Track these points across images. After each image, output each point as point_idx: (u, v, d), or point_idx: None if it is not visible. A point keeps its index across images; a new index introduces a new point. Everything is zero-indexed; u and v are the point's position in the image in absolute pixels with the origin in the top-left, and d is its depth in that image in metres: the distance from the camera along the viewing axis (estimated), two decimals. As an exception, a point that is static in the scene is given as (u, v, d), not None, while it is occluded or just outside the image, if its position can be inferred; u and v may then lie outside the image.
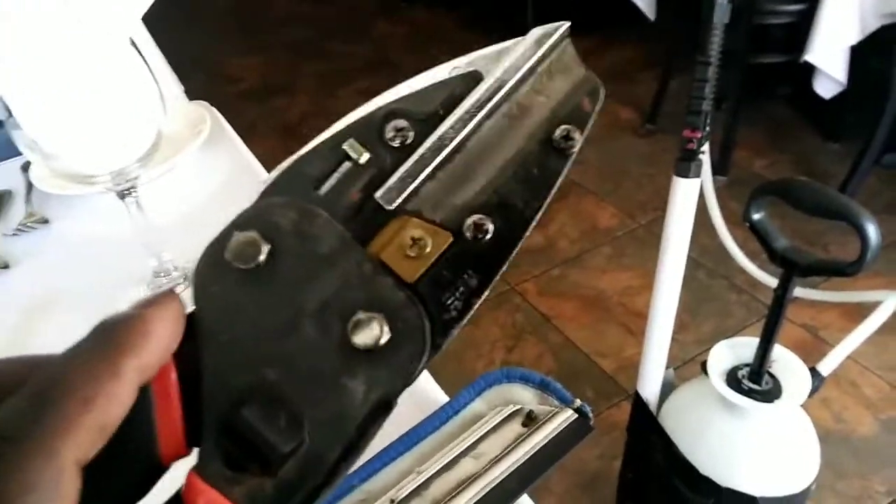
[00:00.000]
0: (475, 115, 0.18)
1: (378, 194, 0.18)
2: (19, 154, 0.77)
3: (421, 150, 0.18)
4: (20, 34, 0.44)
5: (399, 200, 0.18)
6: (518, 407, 0.42)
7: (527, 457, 0.39)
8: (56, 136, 0.47)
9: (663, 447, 1.06)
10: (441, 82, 0.18)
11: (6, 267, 0.62)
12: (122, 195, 0.50)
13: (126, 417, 0.17)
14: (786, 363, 1.00)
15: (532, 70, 0.18)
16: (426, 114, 0.18)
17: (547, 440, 0.40)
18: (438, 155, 0.18)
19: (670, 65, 2.22)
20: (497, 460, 0.39)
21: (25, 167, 0.74)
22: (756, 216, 0.88)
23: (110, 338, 0.16)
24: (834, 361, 1.04)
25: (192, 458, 0.17)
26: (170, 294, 0.18)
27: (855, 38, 1.74)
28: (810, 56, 1.78)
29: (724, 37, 0.88)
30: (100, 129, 0.46)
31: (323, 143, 0.18)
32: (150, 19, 0.73)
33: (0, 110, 0.47)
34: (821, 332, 1.58)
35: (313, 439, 0.16)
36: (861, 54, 1.79)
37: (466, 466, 0.39)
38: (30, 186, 0.71)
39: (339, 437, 0.16)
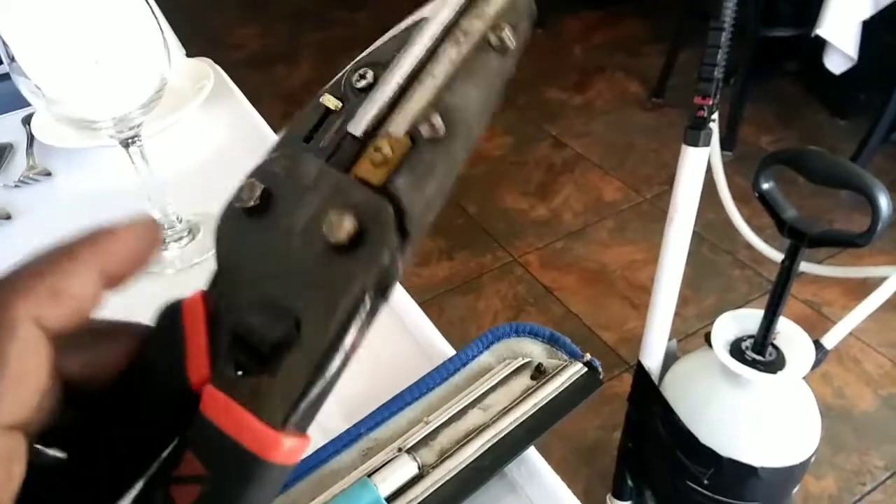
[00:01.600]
0: (424, 46, 0.21)
1: (349, 128, 0.20)
2: (20, 107, 0.77)
3: (380, 83, 0.21)
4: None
5: (364, 126, 0.20)
6: (527, 360, 0.42)
7: (535, 409, 0.39)
8: (59, 80, 0.46)
9: (664, 417, 1.07)
10: (397, 34, 0.21)
11: (8, 218, 0.61)
12: (125, 144, 0.49)
13: (161, 353, 0.19)
14: (790, 335, 0.99)
15: (470, 2, 0.21)
16: (385, 60, 0.21)
17: (556, 393, 0.39)
18: (394, 82, 0.20)
19: (677, 39, 2.19)
20: (505, 412, 0.39)
21: (27, 120, 0.72)
22: (765, 185, 0.87)
23: (74, 236, 0.18)
24: (838, 335, 1.04)
25: None
26: (148, 216, 0.20)
27: (867, 12, 1.71)
28: (822, 30, 1.75)
29: (736, 6, 0.86)
30: (103, 73, 0.45)
31: (306, 106, 0.21)
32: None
33: (4, 56, 0.46)
34: (824, 309, 1.58)
35: (306, 335, 0.18)
36: (873, 30, 1.77)
37: (474, 417, 0.39)
38: (31, 139, 0.70)
39: (326, 331, 0.18)
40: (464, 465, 0.36)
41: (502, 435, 0.38)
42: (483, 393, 0.40)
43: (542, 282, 1.71)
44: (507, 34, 0.20)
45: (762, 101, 2.18)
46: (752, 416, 1.00)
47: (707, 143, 0.95)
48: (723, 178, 1.31)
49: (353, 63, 0.21)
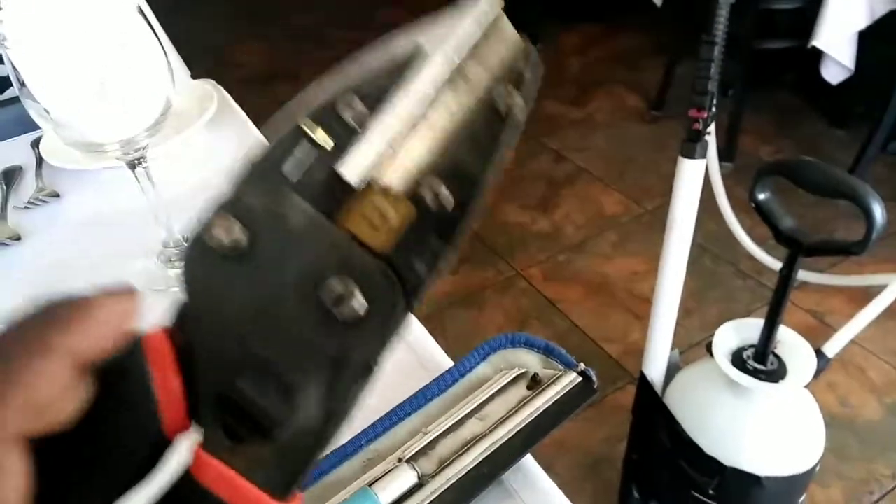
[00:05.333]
0: (423, 91, 0.19)
1: (340, 169, 0.19)
2: (29, 130, 0.78)
3: (376, 126, 0.19)
4: (32, 5, 0.45)
5: (359, 174, 0.19)
6: (523, 370, 0.42)
7: (531, 418, 0.40)
8: (67, 105, 0.47)
9: (668, 427, 1.07)
10: (389, 60, 0.19)
11: (18, 239, 0.62)
12: (132, 165, 0.51)
13: (128, 389, 0.17)
14: (791, 344, 1.00)
15: (472, 43, 0.19)
16: (377, 91, 0.19)
17: (551, 402, 0.40)
18: (392, 129, 0.19)
19: (676, 51, 2.21)
20: (502, 421, 0.39)
21: (36, 143, 0.74)
22: (762, 196, 0.88)
23: (49, 315, 0.16)
24: (839, 343, 1.04)
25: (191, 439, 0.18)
26: (127, 287, 0.18)
27: (863, 22, 1.73)
28: (818, 41, 1.77)
29: (730, 22, 0.88)
30: (109, 97, 0.47)
31: (286, 129, 0.19)
32: (155, 4, 0.74)
33: (15, 81, 0.48)
34: (826, 318, 1.58)
35: (304, 405, 0.17)
36: (869, 40, 1.78)
37: (472, 427, 0.40)
38: (40, 161, 0.71)
39: (327, 401, 0.17)
40: (462, 474, 0.37)
41: (499, 444, 0.39)
42: (480, 403, 0.41)
43: (545, 294, 1.71)
44: (518, 102, 0.19)
45: (761, 112, 2.19)
46: (755, 425, 1.00)
47: (703, 155, 0.97)
48: (722, 189, 1.33)
49: (338, 85, 0.19)
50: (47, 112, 0.47)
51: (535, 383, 0.42)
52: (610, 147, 2.23)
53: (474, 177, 0.19)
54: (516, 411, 0.40)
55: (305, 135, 0.19)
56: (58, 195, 0.68)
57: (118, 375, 0.17)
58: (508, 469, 0.38)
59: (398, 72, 0.19)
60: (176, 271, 0.56)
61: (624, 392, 1.45)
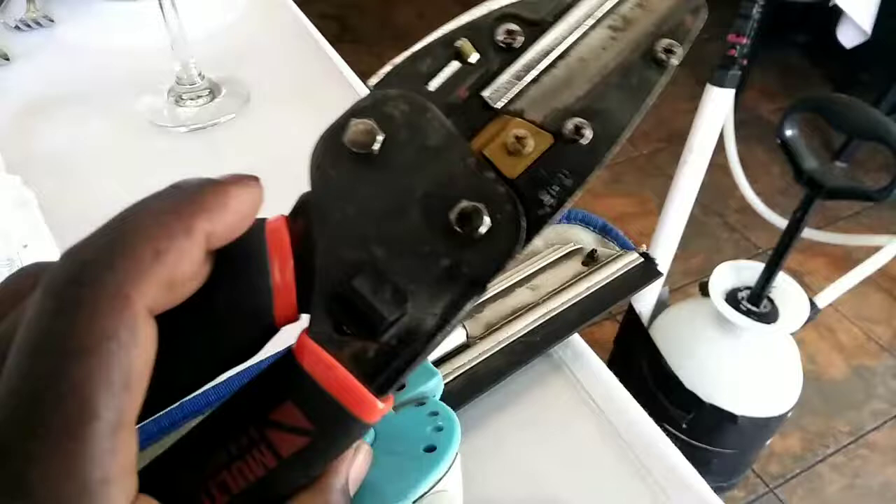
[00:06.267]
0: (582, 24, 0.19)
1: (485, 93, 0.19)
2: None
3: (529, 54, 0.19)
4: None
5: (504, 100, 0.19)
6: (579, 246, 0.39)
7: (589, 292, 0.37)
8: None
9: (650, 360, 1.07)
10: None
11: (7, 59, 0.56)
12: (153, -23, 0.45)
13: (245, 271, 0.18)
14: (785, 291, 1.00)
15: None
16: (536, 20, 0.19)
17: (612, 278, 0.37)
18: (544, 59, 0.19)
19: (693, -5, 2.14)
20: (555, 293, 0.37)
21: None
22: (789, 132, 0.86)
23: (186, 196, 0.16)
24: (831, 295, 1.04)
25: (301, 324, 0.18)
26: (254, 178, 0.18)
27: (889, -14, 1.69)
28: (840, 0, 1.72)
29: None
30: None
31: (435, 40, 0.19)
32: None
33: None
34: (806, 278, 1.60)
35: (414, 310, 0.18)
36: (888, 11, 1.75)
37: (522, 296, 0.37)
38: (32, -20, 0.64)
39: (435, 310, 0.18)
40: (512, 340, 0.34)
41: (553, 314, 0.36)
42: (531, 273, 0.38)
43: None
44: (675, 52, 0.19)
45: (768, 69, 2.16)
46: (738, 365, 1.01)
47: (733, 86, 0.93)
48: (732, 134, 1.30)
49: (498, 7, 0.20)
50: None
51: (592, 260, 0.39)
52: (612, 86, 2.18)
53: (617, 120, 0.19)
54: (571, 284, 0.37)
55: (457, 50, 0.19)
56: (52, 21, 0.61)
57: (238, 257, 0.18)
58: (563, 340, 0.35)
59: (558, 4, 0.19)
60: (186, 110, 0.51)
61: (601, 328, 1.45)
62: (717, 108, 0.93)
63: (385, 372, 0.18)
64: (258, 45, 0.61)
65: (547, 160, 0.19)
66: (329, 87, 0.56)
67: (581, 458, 0.32)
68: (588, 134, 0.18)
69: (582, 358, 0.36)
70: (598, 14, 0.19)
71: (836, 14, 1.78)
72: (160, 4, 0.47)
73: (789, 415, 1.05)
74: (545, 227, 0.19)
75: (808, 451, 1.30)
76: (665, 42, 0.19)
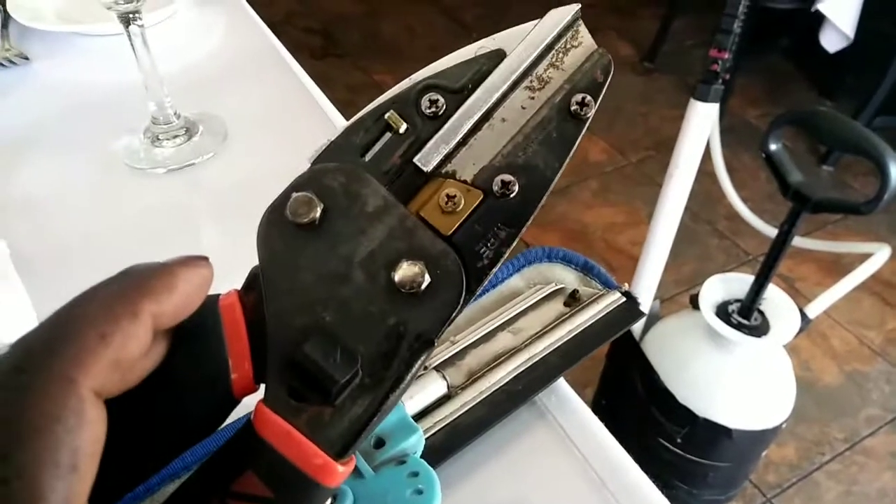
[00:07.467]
0: (500, 88, 0.20)
1: (416, 159, 0.20)
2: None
3: (453, 119, 0.20)
4: None
5: (434, 163, 0.20)
6: (560, 286, 0.39)
7: (570, 336, 0.36)
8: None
9: (643, 375, 1.06)
10: (470, 60, 0.21)
11: (-21, 101, 0.55)
12: (125, 20, 0.44)
13: (201, 349, 0.18)
14: (775, 302, 1.00)
15: (549, 47, 0.21)
16: (457, 87, 0.21)
17: (594, 320, 0.37)
18: (468, 123, 0.20)
19: (673, 4, 2.14)
20: (538, 337, 0.36)
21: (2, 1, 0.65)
22: (773, 146, 0.86)
23: (134, 281, 0.17)
24: (821, 305, 1.04)
25: (258, 395, 0.19)
26: (203, 258, 0.19)
27: (870, -9, 1.70)
28: (822, 5, 1.74)
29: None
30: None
31: (366, 114, 0.21)
32: None
33: None
34: (797, 284, 1.60)
35: (365, 372, 0.18)
36: (871, 14, 1.76)
37: (504, 340, 0.36)
38: (6, 18, 0.63)
39: (387, 370, 0.18)
40: (495, 388, 0.34)
41: (535, 360, 0.35)
42: (513, 316, 0.37)
43: (523, 238, 1.68)
44: (589, 106, 0.20)
45: (752, 76, 2.17)
46: (731, 378, 1.00)
47: (716, 100, 0.93)
48: (718, 144, 1.30)
49: (420, 79, 0.21)
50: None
51: (574, 300, 0.38)
52: (598, 95, 2.18)
53: (543, 172, 0.20)
54: (553, 328, 0.37)
55: (386, 122, 0.20)
56: (27, 58, 0.60)
57: (194, 335, 0.19)
58: (547, 387, 0.35)
59: (477, 71, 0.21)
60: (163, 150, 0.50)
61: (594, 339, 1.44)
62: (702, 122, 0.93)
63: (343, 435, 0.18)
64: (234, 75, 0.61)
65: (480, 216, 0.20)
66: (308, 119, 0.56)
67: (566, 510, 0.32)
68: (515, 188, 0.20)
69: (566, 404, 0.36)
70: (515, 77, 0.21)
71: (819, 19, 1.79)
72: (132, 45, 0.46)
73: (784, 426, 1.05)
74: (486, 279, 0.20)
75: (805, 459, 1.30)
76: (579, 97, 0.20)
